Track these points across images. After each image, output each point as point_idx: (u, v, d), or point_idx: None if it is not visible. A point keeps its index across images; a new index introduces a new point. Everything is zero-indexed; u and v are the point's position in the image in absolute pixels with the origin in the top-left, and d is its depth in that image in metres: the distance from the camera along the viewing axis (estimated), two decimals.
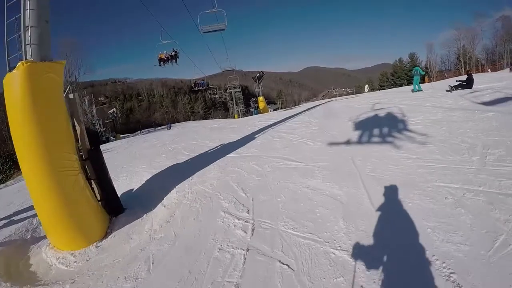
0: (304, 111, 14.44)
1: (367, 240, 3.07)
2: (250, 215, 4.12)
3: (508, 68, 33.50)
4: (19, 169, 5.36)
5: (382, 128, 7.27)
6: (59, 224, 4.29)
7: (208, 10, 16.14)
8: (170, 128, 27.91)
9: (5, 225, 5.48)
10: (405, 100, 11.17)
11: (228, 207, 4.48)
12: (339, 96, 41.89)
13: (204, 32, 19.65)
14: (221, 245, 3.51)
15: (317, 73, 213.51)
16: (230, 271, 3.03)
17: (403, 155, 5.20)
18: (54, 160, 4.11)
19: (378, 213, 3.51)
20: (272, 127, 10.96)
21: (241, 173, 5.88)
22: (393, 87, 43.49)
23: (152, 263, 3.48)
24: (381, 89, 45.88)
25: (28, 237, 4.99)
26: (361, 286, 2.52)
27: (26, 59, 4.20)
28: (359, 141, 6.64)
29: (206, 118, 61.12)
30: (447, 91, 11.54)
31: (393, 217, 3.37)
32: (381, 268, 2.65)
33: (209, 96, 49.60)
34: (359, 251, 2.92)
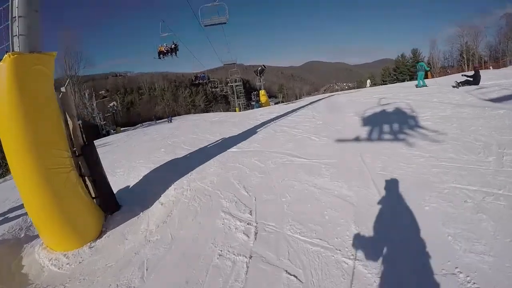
0: (307, 105, 14.13)
1: (383, 248, 2.79)
2: (253, 216, 3.84)
3: None
4: None
5: (391, 123, 6.97)
6: (50, 224, 4.05)
7: (209, 4, 15.86)
8: (171, 121, 27.58)
9: None
10: (410, 95, 10.87)
11: (228, 207, 4.22)
12: (340, 91, 41.42)
13: (205, 26, 19.37)
14: (221, 251, 3.23)
15: (318, 68, 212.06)
16: (232, 282, 2.75)
17: (415, 153, 4.91)
18: (43, 157, 3.85)
19: (393, 217, 3.23)
20: (274, 121, 10.69)
21: (242, 170, 5.62)
22: (395, 83, 43.04)
23: (146, 270, 3.22)
24: (384, 84, 45.43)
25: (22, 235, 4.76)
26: None
27: (13, 50, 3.92)
28: (367, 137, 6.36)
29: (207, 112, 60.80)
30: (453, 87, 11.22)
31: (410, 222, 3.08)
32: (401, 282, 2.39)
33: (210, 90, 49.35)
34: (374, 261, 2.65)
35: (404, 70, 58.06)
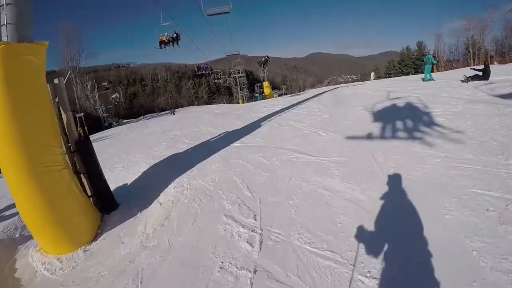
0: (312, 97, 13.78)
1: (403, 266, 2.48)
2: (257, 222, 3.56)
3: None
4: None
5: (402, 119, 6.63)
6: (41, 226, 3.83)
7: None
8: (173, 113, 27.18)
9: None
10: (418, 89, 10.48)
11: (231, 210, 3.95)
12: (344, 83, 40.77)
13: (208, 15, 18.89)
14: (222, 262, 2.95)
15: (322, 59, 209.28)
16: None
17: (430, 152, 4.60)
18: (32, 154, 3.61)
19: (412, 227, 2.92)
20: (278, 114, 10.41)
21: (246, 167, 5.35)
22: (400, 76, 42.30)
23: (141, 282, 2.97)
24: (388, 77, 44.68)
25: (17, 235, 4.56)
26: None
27: (1, 40, 3.66)
28: (378, 133, 6.04)
29: (210, 103, 60.40)
30: (462, 81, 10.81)
31: (430, 233, 2.77)
32: None
33: (213, 81, 48.90)
34: (393, 280, 2.37)
35: (409, 63, 56.93)
